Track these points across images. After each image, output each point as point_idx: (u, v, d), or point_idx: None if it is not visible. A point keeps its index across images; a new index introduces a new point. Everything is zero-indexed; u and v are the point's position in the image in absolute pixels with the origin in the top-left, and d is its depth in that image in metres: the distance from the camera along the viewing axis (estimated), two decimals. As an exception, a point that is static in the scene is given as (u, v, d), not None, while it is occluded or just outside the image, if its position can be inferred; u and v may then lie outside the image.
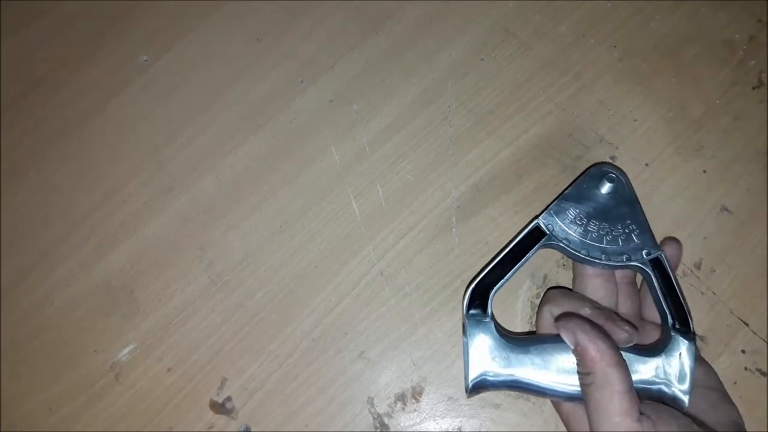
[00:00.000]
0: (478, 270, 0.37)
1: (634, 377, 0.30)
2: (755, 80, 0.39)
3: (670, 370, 0.31)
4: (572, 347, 0.30)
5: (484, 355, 0.32)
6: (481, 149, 0.40)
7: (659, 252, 0.34)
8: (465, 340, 0.33)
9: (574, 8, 0.41)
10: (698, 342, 0.37)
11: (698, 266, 0.37)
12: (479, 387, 0.32)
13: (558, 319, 0.32)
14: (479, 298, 0.34)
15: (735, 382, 0.36)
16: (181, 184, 0.41)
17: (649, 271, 0.34)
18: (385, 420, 0.37)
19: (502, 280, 0.34)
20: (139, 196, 0.41)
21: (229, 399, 0.38)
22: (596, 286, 0.35)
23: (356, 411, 0.37)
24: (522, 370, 0.32)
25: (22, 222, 0.41)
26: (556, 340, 0.32)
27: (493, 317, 0.33)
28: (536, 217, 0.35)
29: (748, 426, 0.35)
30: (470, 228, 0.39)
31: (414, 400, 0.37)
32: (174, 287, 0.39)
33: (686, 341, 0.32)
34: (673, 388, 0.31)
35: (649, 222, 0.35)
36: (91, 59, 0.43)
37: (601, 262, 0.34)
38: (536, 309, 0.36)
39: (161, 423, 0.38)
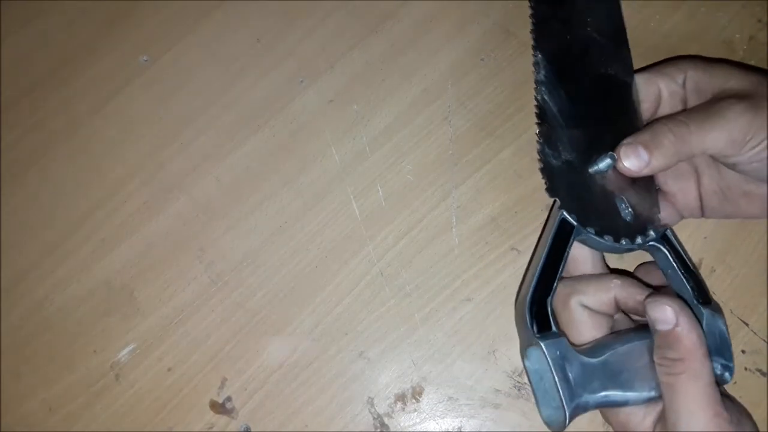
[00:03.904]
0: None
1: None
2: (755, 80, 0.39)
3: (712, 345, 0.30)
4: (666, 328, 0.27)
5: (569, 379, 0.28)
6: (481, 149, 0.40)
7: (665, 227, 0.33)
8: (536, 365, 0.28)
9: (574, 8, 0.41)
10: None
11: (698, 266, 0.37)
12: (572, 417, 0.28)
13: (648, 297, 0.29)
14: (539, 315, 0.29)
15: (735, 382, 0.36)
16: (181, 184, 0.41)
17: (665, 250, 0.32)
18: (385, 420, 0.37)
19: (553, 288, 0.30)
20: (139, 196, 0.41)
21: (229, 399, 0.38)
22: (585, 258, 0.33)
23: (356, 411, 0.37)
24: (611, 386, 0.28)
25: (22, 222, 0.41)
26: (622, 340, 0.30)
27: (561, 331, 0.30)
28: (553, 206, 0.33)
29: (748, 426, 0.35)
30: (470, 228, 0.39)
31: (414, 400, 0.37)
32: (174, 287, 0.39)
33: (717, 312, 0.31)
34: (717, 364, 0.30)
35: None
36: (91, 59, 0.43)
37: (625, 247, 0.32)
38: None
39: (161, 423, 0.38)
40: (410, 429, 0.37)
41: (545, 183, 0.32)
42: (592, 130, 0.35)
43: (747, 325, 0.36)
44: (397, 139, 0.40)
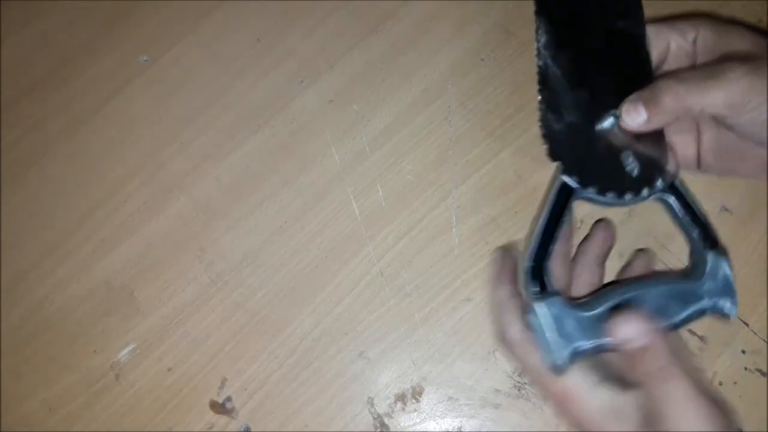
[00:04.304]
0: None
1: (689, 309, 0.31)
2: (755, 80, 0.39)
3: (715, 287, 0.32)
4: (638, 344, 0.28)
5: (564, 330, 0.30)
6: (481, 149, 0.40)
7: (673, 177, 0.34)
8: (537, 321, 0.31)
9: (574, 8, 0.41)
10: (698, 342, 0.37)
11: (698, 266, 0.37)
12: (570, 363, 0.31)
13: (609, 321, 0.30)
14: (538, 275, 0.32)
15: (735, 382, 0.36)
16: (181, 184, 0.41)
17: (671, 200, 0.34)
18: (385, 420, 0.37)
19: (550, 251, 0.32)
20: (139, 196, 0.41)
21: (229, 399, 0.38)
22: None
23: (356, 411, 0.37)
24: (603, 334, 0.30)
25: (22, 222, 0.41)
26: (616, 292, 0.31)
27: (556, 290, 0.32)
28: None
29: (748, 426, 0.35)
30: (470, 228, 0.39)
31: (414, 400, 0.37)
32: (174, 287, 0.39)
33: (721, 255, 0.32)
34: (721, 303, 0.31)
35: (648, 220, 0.35)
36: (91, 59, 0.43)
37: (629, 201, 0.33)
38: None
39: (161, 423, 0.38)
40: (410, 429, 0.37)
41: (546, 148, 0.33)
42: (599, 88, 0.35)
43: (747, 325, 0.36)
44: (397, 139, 0.40)
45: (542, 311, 0.31)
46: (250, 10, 0.43)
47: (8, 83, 0.43)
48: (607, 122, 0.34)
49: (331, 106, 0.41)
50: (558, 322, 0.31)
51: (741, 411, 0.32)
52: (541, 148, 0.33)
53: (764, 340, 0.36)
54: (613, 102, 0.34)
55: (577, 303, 0.32)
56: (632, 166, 0.34)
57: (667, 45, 0.35)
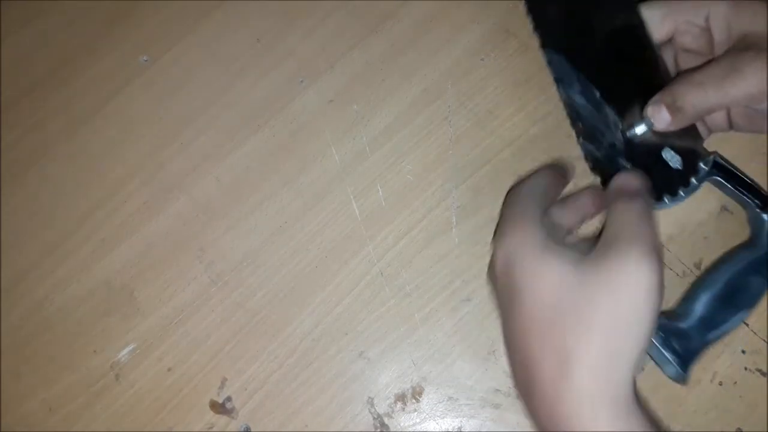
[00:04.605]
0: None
1: None
2: (755, 80, 0.39)
3: None
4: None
5: (674, 347, 0.34)
6: (481, 149, 0.40)
7: (713, 154, 0.35)
8: (656, 349, 0.34)
9: (574, 8, 0.41)
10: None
11: (698, 266, 0.37)
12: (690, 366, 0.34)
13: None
14: None
15: (735, 382, 0.36)
16: (181, 184, 0.41)
17: (719, 178, 0.35)
18: (385, 420, 0.37)
19: None
20: (139, 196, 0.41)
21: (229, 399, 0.38)
22: None
23: (356, 411, 0.37)
24: (708, 336, 0.34)
25: (22, 222, 0.41)
26: (697, 305, 0.35)
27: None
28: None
29: (748, 426, 0.35)
30: (470, 228, 0.39)
31: (414, 400, 0.37)
32: (174, 287, 0.39)
33: None
34: None
35: None
36: (91, 59, 0.43)
37: (684, 196, 0.34)
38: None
39: (161, 423, 0.38)
40: (410, 429, 0.37)
41: (600, 180, 0.35)
42: (621, 99, 0.35)
43: (747, 325, 0.36)
44: (397, 139, 0.40)
45: (655, 339, 0.33)
46: (250, 10, 0.43)
47: (8, 83, 0.43)
48: (639, 128, 0.34)
49: (331, 106, 0.41)
50: (665, 340, 0.34)
51: (741, 411, 0.32)
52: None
53: (764, 340, 0.36)
54: (637, 106, 0.34)
55: (668, 316, 0.35)
56: (674, 159, 0.34)
57: (673, 29, 0.35)
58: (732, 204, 0.38)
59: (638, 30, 0.36)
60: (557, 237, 0.31)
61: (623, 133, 0.35)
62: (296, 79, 0.42)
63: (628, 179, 0.33)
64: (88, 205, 0.41)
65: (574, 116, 0.36)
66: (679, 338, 0.34)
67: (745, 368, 0.36)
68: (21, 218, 0.41)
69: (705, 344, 0.34)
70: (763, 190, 0.35)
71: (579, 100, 0.36)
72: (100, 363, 0.39)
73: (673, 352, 0.33)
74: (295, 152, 0.41)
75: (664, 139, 0.34)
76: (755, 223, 0.35)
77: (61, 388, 0.39)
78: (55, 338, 0.39)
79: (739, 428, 0.35)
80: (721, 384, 0.36)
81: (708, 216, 0.38)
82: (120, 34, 0.43)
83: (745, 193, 0.35)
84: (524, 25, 0.41)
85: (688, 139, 0.35)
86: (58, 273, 0.40)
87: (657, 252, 0.28)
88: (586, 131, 0.36)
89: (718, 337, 0.34)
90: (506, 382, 0.37)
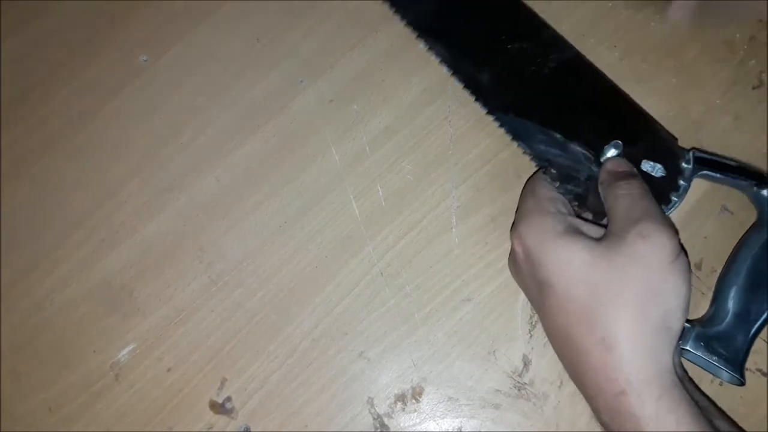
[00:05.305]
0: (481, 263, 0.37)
1: None
2: (755, 80, 0.39)
3: None
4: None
5: (719, 352, 0.33)
6: (481, 149, 0.40)
7: (691, 151, 0.35)
8: (696, 360, 0.34)
9: (574, 8, 0.41)
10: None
11: (698, 266, 0.37)
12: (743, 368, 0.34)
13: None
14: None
15: (735, 382, 0.36)
16: (181, 184, 0.41)
17: (706, 171, 0.35)
18: (385, 420, 0.37)
19: None
20: (139, 196, 0.41)
21: (229, 399, 0.38)
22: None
23: (356, 411, 0.37)
24: (747, 333, 0.34)
25: (22, 222, 0.41)
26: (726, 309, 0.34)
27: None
28: None
29: (748, 426, 0.35)
30: (470, 228, 0.39)
31: (414, 400, 0.37)
32: (174, 287, 0.39)
33: None
34: None
35: None
36: (91, 59, 0.43)
37: (678, 201, 0.35)
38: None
39: (161, 423, 0.38)
40: (410, 429, 0.37)
41: (591, 217, 0.35)
42: (583, 130, 0.36)
43: (747, 325, 0.36)
44: (397, 139, 0.40)
45: (689, 352, 0.33)
46: (250, 10, 0.43)
47: (8, 83, 0.43)
48: (610, 152, 0.35)
49: (331, 106, 0.41)
50: (708, 348, 0.33)
51: (741, 411, 0.32)
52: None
53: (764, 340, 0.36)
54: (600, 131, 0.35)
55: (703, 324, 0.34)
56: (655, 169, 0.35)
57: None
58: (732, 204, 0.38)
59: (571, 58, 0.37)
60: (574, 225, 0.32)
61: (597, 161, 0.35)
62: (296, 79, 0.42)
63: (618, 163, 0.34)
64: (88, 205, 0.41)
65: (545, 164, 0.36)
66: (721, 341, 0.33)
67: (746, 368, 0.36)
68: (21, 218, 0.41)
69: (751, 338, 0.33)
70: (754, 167, 0.35)
71: (543, 148, 0.36)
72: (100, 363, 0.39)
73: (720, 356, 0.33)
74: (295, 152, 0.41)
75: (638, 153, 0.35)
76: (758, 203, 0.35)
77: (61, 388, 0.39)
78: (55, 338, 0.39)
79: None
80: (721, 384, 0.36)
81: (708, 216, 0.38)
82: (120, 34, 0.43)
83: (737, 176, 0.35)
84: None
85: (659, 140, 0.35)
86: (58, 273, 0.40)
87: (668, 221, 0.30)
88: (561, 174, 0.36)
89: (762, 327, 0.33)
90: (506, 383, 0.37)
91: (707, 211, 0.38)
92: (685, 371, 0.32)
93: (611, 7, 0.41)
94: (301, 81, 0.42)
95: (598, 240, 0.30)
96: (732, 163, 0.35)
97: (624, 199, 0.32)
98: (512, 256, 0.34)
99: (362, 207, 0.40)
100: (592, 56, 0.40)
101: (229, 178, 0.41)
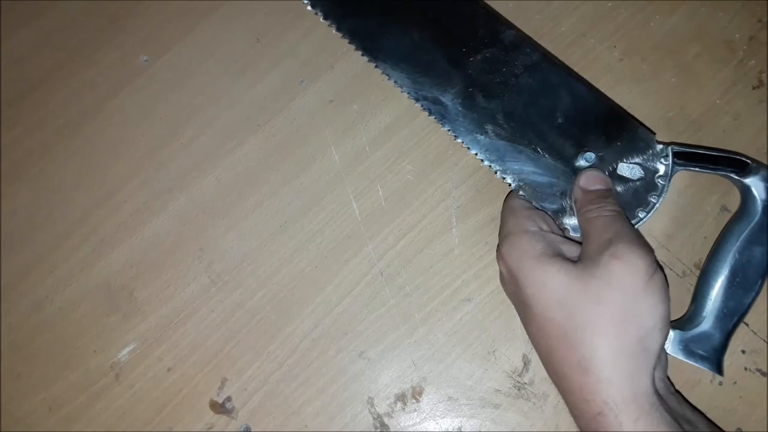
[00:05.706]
0: (478, 270, 0.37)
1: None
2: (755, 80, 0.39)
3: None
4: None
5: (694, 351, 0.34)
6: (481, 149, 0.40)
7: (670, 146, 0.35)
8: (675, 355, 0.34)
9: (574, 8, 0.41)
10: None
11: (698, 266, 0.37)
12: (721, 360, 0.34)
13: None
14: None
15: (735, 382, 0.36)
16: (181, 184, 0.41)
17: (687, 164, 0.34)
18: (385, 420, 0.37)
19: None
20: (139, 196, 0.41)
21: (229, 399, 0.38)
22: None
23: (356, 411, 0.37)
24: (725, 328, 0.34)
25: (22, 222, 0.41)
26: (703, 309, 0.34)
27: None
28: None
29: (748, 426, 0.35)
30: (470, 228, 0.39)
31: (414, 400, 0.37)
32: (174, 287, 0.39)
33: (757, 173, 0.33)
34: None
35: (648, 221, 0.35)
36: (91, 59, 0.43)
37: (663, 195, 0.34)
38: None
39: (161, 423, 0.38)
40: (410, 429, 0.37)
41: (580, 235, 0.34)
42: (552, 143, 0.36)
43: (747, 325, 0.36)
44: (397, 139, 0.40)
45: (678, 354, 0.33)
46: (250, 10, 0.43)
47: (8, 83, 0.43)
48: (582, 161, 0.35)
49: (331, 106, 0.41)
50: (686, 348, 0.33)
51: (741, 411, 0.32)
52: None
53: (764, 340, 0.36)
54: (570, 141, 0.35)
55: (683, 323, 0.34)
56: (633, 170, 0.34)
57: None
58: (732, 204, 0.38)
59: (537, 61, 0.36)
60: (553, 245, 0.32)
61: (573, 172, 0.35)
62: (296, 79, 0.42)
63: (592, 179, 0.34)
64: (88, 205, 0.41)
65: (520, 185, 0.36)
66: (701, 342, 0.33)
67: (745, 368, 0.36)
68: (21, 218, 0.41)
69: (729, 333, 0.33)
70: (736, 154, 0.34)
71: (516, 166, 0.36)
72: (100, 363, 0.39)
73: (699, 357, 0.33)
74: (295, 152, 0.41)
75: (614, 156, 0.34)
76: (741, 191, 0.34)
77: (61, 388, 0.39)
78: (55, 338, 0.39)
79: (739, 428, 0.35)
80: (721, 384, 0.36)
81: (708, 216, 0.38)
82: (120, 34, 0.43)
83: (718, 167, 0.34)
84: (524, 25, 0.41)
85: (634, 141, 0.35)
86: (58, 273, 0.40)
87: (642, 240, 0.30)
88: (536, 193, 0.35)
89: (740, 320, 0.34)
90: (506, 382, 0.37)
91: (707, 211, 0.38)
92: (670, 384, 0.32)
93: (611, 7, 0.41)
94: (301, 81, 0.42)
95: (575, 261, 0.31)
96: (712, 153, 0.34)
97: (597, 221, 0.32)
98: (500, 275, 0.34)
99: (362, 207, 0.40)
100: (592, 56, 0.40)
101: (229, 178, 0.41)
